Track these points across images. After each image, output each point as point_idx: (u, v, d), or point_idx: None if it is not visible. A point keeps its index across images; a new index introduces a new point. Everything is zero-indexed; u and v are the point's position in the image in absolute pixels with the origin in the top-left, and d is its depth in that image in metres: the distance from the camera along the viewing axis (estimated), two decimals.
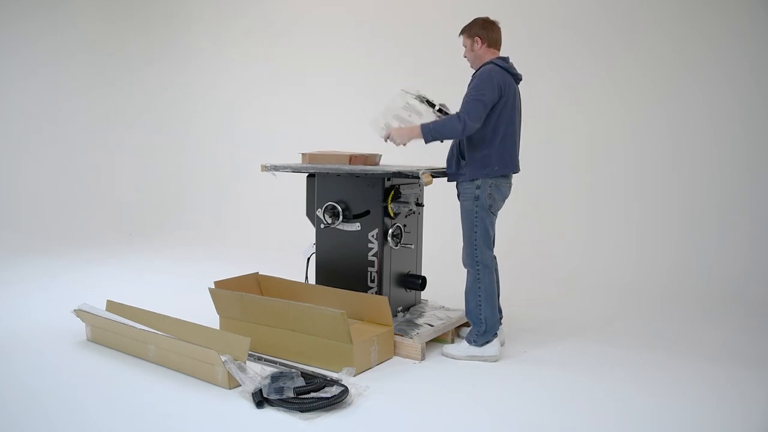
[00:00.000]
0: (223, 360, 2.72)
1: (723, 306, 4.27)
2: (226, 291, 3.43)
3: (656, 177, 4.97)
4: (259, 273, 3.87)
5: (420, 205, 3.66)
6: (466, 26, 3.26)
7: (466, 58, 3.31)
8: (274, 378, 2.66)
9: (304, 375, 2.76)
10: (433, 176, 3.27)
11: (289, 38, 6.61)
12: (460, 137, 3.13)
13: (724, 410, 2.66)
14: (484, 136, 3.13)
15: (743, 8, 4.60)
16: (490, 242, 3.22)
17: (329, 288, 3.50)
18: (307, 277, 3.80)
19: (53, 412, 2.53)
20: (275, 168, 3.69)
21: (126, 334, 3.17)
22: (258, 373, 2.78)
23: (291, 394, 2.57)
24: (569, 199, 5.28)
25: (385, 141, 3.27)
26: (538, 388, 2.87)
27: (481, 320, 3.19)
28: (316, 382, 2.68)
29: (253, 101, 6.88)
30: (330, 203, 3.55)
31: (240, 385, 2.71)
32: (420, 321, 3.45)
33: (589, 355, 3.32)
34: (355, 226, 3.45)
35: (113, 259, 5.71)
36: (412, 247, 3.58)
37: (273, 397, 2.55)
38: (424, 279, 3.63)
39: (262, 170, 3.74)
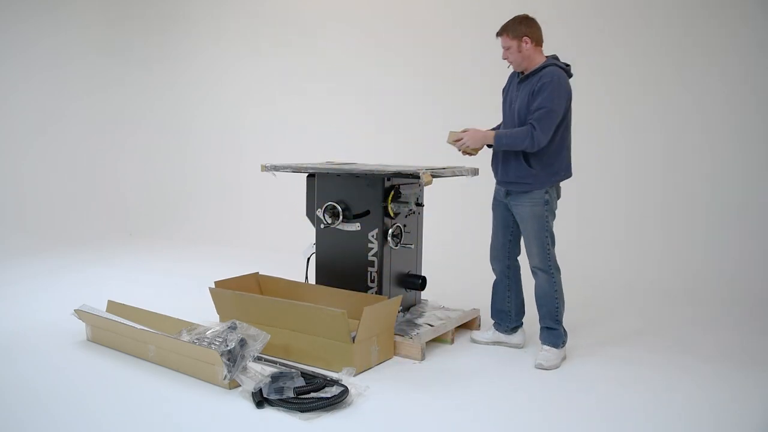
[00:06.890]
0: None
1: (723, 306, 4.26)
2: (226, 291, 3.43)
3: (656, 177, 4.97)
4: (259, 273, 3.88)
5: (420, 205, 3.66)
6: (507, 25, 3.05)
7: (506, 60, 3.11)
8: (274, 378, 2.66)
9: (304, 375, 2.76)
10: (433, 176, 3.27)
11: (290, 40, 6.61)
12: (527, 150, 3.01)
13: (723, 410, 2.66)
14: (554, 146, 3.05)
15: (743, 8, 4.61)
16: (554, 244, 3.20)
17: (329, 288, 3.50)
18: (307, 277, 3.80)
19: (54, 412, 2.54)
20: (275, 168, 3.69)
21: (126, 334, 3.17)
22: (258, 372, 2.78)
23: (291, 394, 2.57)
24: (570, 201, 5.27)
25: (455, 143, 3.13)
26: (537, 387, 2.87)
27: (559, 321, 3.18)
28: (316, 382, 2.68)
29: (254, 102, 6.88)
30: (330, 203, 3.54)
31: (240, 385, 2.72)
32: (420, 321, 3.45)
33: (591, 355, 3.31)
34: (355, 226, 3.45)
35: (114, 259, 5.71)
36: (412, 247, 3.58)
37: (273, 397, 2.56)
38: (424, 279, 3.62)
39: (262, 170, 3.74)
